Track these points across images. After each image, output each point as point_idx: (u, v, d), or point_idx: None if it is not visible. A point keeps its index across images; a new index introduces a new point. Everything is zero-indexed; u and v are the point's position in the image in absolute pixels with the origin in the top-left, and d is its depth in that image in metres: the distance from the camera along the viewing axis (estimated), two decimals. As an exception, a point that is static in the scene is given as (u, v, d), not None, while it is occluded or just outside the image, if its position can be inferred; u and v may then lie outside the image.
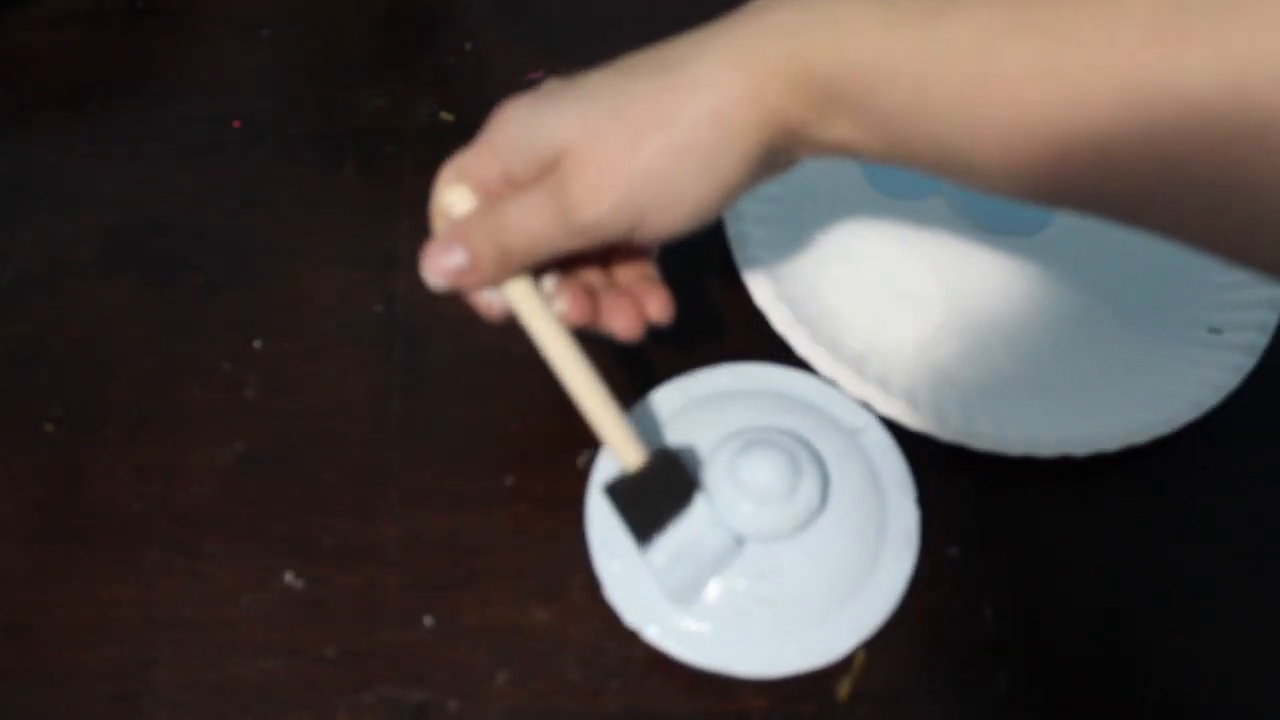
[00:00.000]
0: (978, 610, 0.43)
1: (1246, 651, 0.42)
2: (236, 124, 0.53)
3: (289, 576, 0.43)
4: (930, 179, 0.49)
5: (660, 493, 0.38)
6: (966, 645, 0.42)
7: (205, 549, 0.43)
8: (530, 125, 0.35)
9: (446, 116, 0.53)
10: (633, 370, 0.46)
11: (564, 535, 0.43)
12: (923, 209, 0.50)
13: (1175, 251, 0.48)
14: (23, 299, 0.49)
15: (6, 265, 0.50)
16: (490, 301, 0.38)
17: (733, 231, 0.47)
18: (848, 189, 0.50)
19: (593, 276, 0.40)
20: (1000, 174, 0.31)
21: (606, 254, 0.40)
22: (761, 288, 0.46)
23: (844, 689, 0.41)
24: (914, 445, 0.43)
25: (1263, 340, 0.46)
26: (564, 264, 0.39)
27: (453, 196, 0.38)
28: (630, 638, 0.41)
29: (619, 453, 0.38)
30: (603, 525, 0.41)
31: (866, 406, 0.44)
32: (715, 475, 0.39)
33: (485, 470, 0.45)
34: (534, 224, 0.35)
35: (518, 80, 0.54)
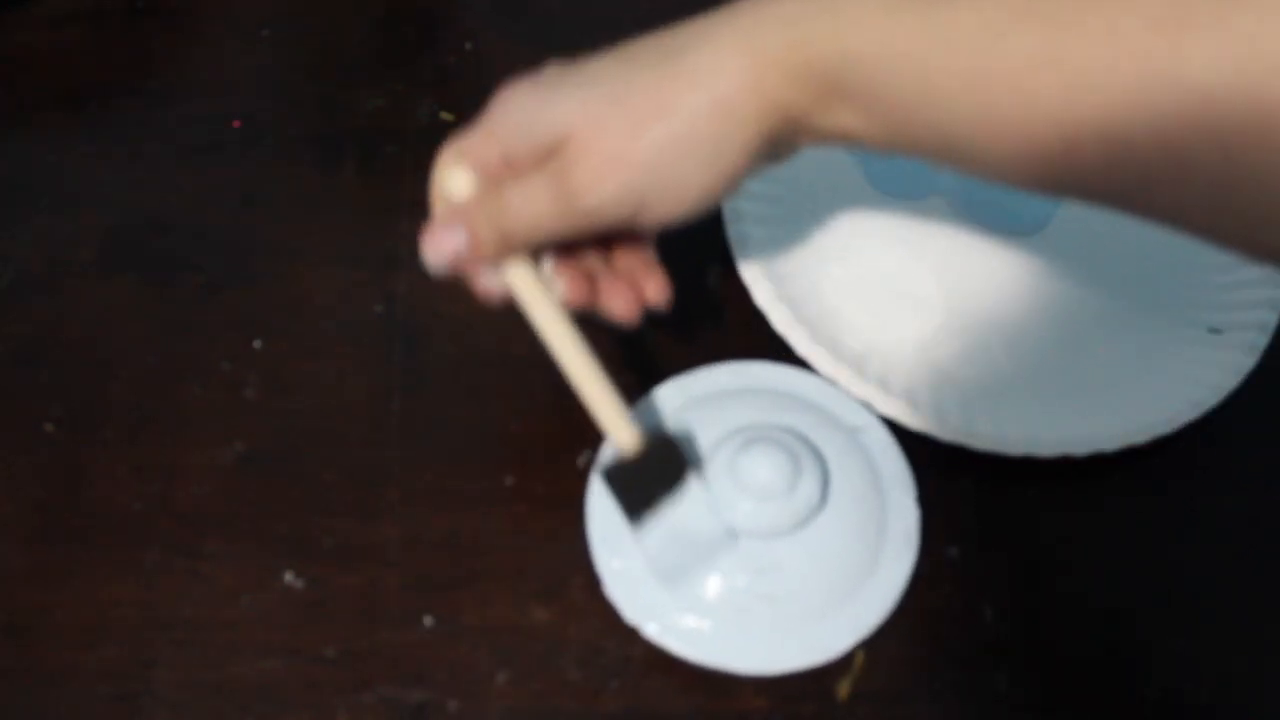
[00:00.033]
0: (978, 610, 0.43)
1: (1246, 651, 0.42)
2: (236, 124, 0.53)
3: (289, 576, 0.43)
4: (930, 177, 0.50)
5: (655, 475, 0.38)
6: (966, 645, 0.42)
7: (205, 549, 0.43)
8: (531, 110, 0.36)
9: (446, 116, 0.53)
10: (634, 369, 0.46)
11: (564, 535, 0.43)
12: (923, 208, 0.50)
13: (1175, 251, 0.49)
14: (23, 299, 0.49)
15: (6, 265, 0.49)
16: (489, 285, 0.38)
17: (733, 232, 0.47)
18: (847, 189, 0.50)
19: (592, 260, 0.40)
20: (1002, 161, 0.31)
21: (606, 239, 0.40)
22: (761, 288, 0.46)
23: (844, 689, 0.41)
24: (914, 445, 0.43)
25: (1263, 340, 0.46)
26: (563, 248, 0.39)
27: (453, 179, 0.38)
28: (630, 637, 0.41)
29: (615, 436, 0.38)
30: (603, 522, 0.42)
31: (867, 406, 0.44)
32: (716, 471, 0.39)
33: (485, 470, 0.45)
34: (536, 208, 0.36)
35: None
